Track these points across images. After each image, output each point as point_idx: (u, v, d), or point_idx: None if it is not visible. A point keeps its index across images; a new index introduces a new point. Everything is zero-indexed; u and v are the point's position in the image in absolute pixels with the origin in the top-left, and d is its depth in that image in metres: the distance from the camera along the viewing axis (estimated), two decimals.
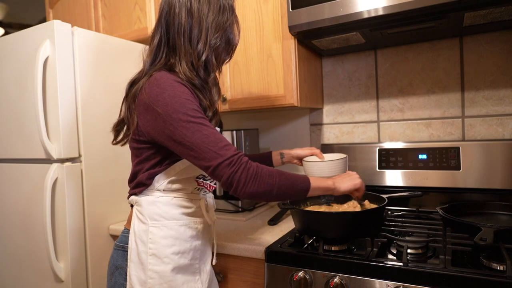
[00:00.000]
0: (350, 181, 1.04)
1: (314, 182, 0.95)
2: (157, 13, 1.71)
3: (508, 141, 1.29)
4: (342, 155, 1.22)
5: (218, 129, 1.08)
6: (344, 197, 1.31)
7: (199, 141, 0.85)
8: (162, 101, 0.88)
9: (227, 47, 1.04)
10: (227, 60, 1.09)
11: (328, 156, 1.27)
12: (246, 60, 1.51)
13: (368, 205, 1.24)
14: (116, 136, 1.06)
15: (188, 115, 0.86)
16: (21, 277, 1.48)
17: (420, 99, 1.52)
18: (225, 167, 0.84)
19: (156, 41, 1.00)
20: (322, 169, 1.18)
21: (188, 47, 0.96)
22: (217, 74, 1.04)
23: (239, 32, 1.07)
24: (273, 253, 1.08)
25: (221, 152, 0.85)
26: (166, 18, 0.99)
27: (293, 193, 0.92)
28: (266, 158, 1.30)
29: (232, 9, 1.02)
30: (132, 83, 1.00)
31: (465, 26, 1.28)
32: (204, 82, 0.97)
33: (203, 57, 0.96)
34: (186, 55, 0.96)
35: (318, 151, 1.26)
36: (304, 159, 1.25)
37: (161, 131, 0.89)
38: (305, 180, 0.94)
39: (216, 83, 1.00)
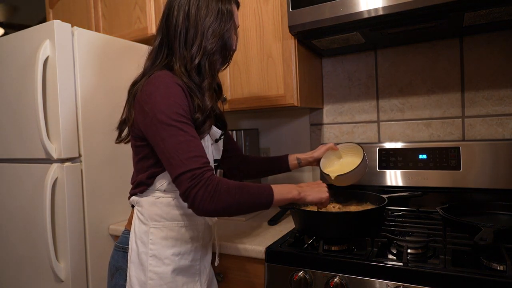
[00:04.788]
0: (317, 194, 1.00)
1: (278, 195, 0.92)
2: (157, 13, 1.72)
3: (508, 141, 1.29)
4: (359, 155, 1.21)
5: (219, 131, 1.08)
6: (345, 197, 1.32)
7: (171, 146, 0.84)
8: (153, 99, 0.88)
9: (224, 53, 1.03)
10: (224, 66, 1.08)
11: (343, 147, 1.27)
12: (246, 60, 1.51)
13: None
14: (119, 135, 1.06)
15: (170, 117, 0.86)
16: (21, 277, 1.48)
17: (420, 99, 1.52)
18: (185, 179, 0.82)
19: (157, 42, 1.01)
20: (340, 181, 1.19)
21: (183, 51, 0.96)
22: (215, 79, 1.03)
23: (237, 38, 1.07)
24: (273, 253, 1.08)
25: (187, 162, 0.83)
26: (166, 20, 0.99)
27: (254, 208, 0.90)
28: (282, 163, 1.29)
29: (231, 15, 1.01)
30: (134, 83, 1.01)
31: (465, 26, 1.28)
32: (198, 86, 0.96)
33: (196, 61, 0.95)
34: (181, 59, 0.96)
35: (331, 144, 1.25)
36: (322, 166, 1.24)
37: (148, 129, 0.90)
38: (269, 194, 0.91)
39: (210, 89, 0.98)
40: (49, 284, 1.38)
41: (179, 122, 0.86)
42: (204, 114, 0.94)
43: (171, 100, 0.88)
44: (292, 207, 1.16)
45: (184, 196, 0.84)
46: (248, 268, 1.17)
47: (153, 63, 1.00)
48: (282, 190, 0.94)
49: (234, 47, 1.06)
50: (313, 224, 1.11)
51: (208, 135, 1.02)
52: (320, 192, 1.02)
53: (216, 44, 0.98)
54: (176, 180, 0.85)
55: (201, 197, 0.82)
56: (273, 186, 0.93)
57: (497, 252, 0.92)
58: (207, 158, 0.88)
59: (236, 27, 1.05)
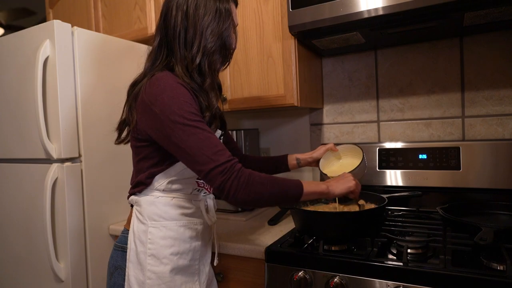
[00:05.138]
0: (344, 184, 1.03)
1: (307, 188, 0.94)
2: (157, 13, 1.72)
3: (508, 141, 1.29)
4: (358, 156, 1.21)
5: (220, 131, 1.08)
6: (345, 197, 1.31)
7: (194, 145, 0.85)
8: (161, 101, 0.88)
9: (223, 52, 1.03)
10: (225, 65, 1.08)
11: (342, 148, 1.27)
12: (246, 60, 1.51)
13: (365, 205, 1.24)
14: (119, 135, 1.06)
15: (185, 118, 0.86)
16: (21, 277, 1.48)
17: (420, 99, 1.52)
18: (218, 173, 0.84)
19: (156, 42, 1.01)
20: None
21: (183, 51, 0.96)
22: (216, 78, 1.03)
23: (236, 37, 1.06)
24: (273, 253, 1.08)
25: (214, 157, 0.85)
26: (164, 20, 0.99)
27: (285, 200, 0.93)
28: (281, 163, 1.29)
29: (229, 14, 1.01)
30: (134, 84, 1.01)
31: (465, 26, 1.28)
32: (199, 87, 0.96)
33: (197, 61, 0.95)
34: (182, 60, 0.96)
35: (331, 145, 1.26)
36: (321, 167, 1.24)
37: (158, 131, 0.90)
38: (299, 186, 0.93)
39: (214, 88, 0.98)
40: (49, 284, 1.38)
41: (194, 121, 0.87)
42: (211, 113, 0.95)
43: (180, 100, 0.88)
44: (293, 206, 1.16)
45: (219, 190, 0.86)
46: (248, 268, 1.17)
47: (153, 64, 1.00)
48: (311, 184, 0.97)
49: (233, 46, 1.06)
50: (313, 224, 1.11)
51: None
52: (346, 182, 1.04)
53: (215, 44, 0.97)
54: (207, 176, 0.85)
55: (236, 188, 0.85)
56: (302, 181, 0.95)
57: (497, 252, 0.92)
58: (229, 152, 0.89)
59: (235, 26, 1.05)
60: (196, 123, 0.87)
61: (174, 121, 0.86)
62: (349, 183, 1.03)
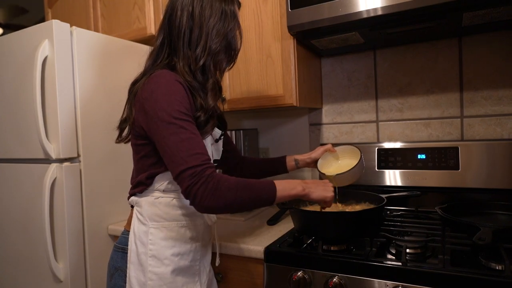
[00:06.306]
0: (321, 192, 0.99)
1: (281, 191, 0.91)
2: (156, 13, 1.72)
3: (507, 141, 1.29)
4: (356, 157, 1.21)
5: (219, 131, 1.08)
6: (344, 197, 1.32)
7: (172, 144, 0.85)
8: (155, 98, 0.88)
9: (228, 53, 1.03)
10: (229, 66, 1.08)
11: (341, 149, 1.27)
12: (245, 60, 1.51)
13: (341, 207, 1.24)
14: (120, 134, 1.06)
15: (171, 116, 0.86)
16: (20, 277, 1.48)
17: (419, 99, 1.52)
18: (186, 176, 0.83)
19: (159, 41, 1.01)
20: (337, 181, 1.18)
21: (187, 51, 0.96)
22: (220, 78, 1.04)
23: (241, 38, 1.07)
24: (272, 253, 1.08)
25: (188, 159, 0.83)
26: (169, 19, 0.99)
27: (256, 205, 0.90)
28: (279, 164, 1.28)
29: (234, 16, 1.02)
30: (134, 83, 1.01)
31: (464, 26, 1.29)
32: (202, 86, 0.96)
33: (201, 62, 0.95)
34: (185, 58, 0.96)
35: (329, 146, 1.25)
36: (319, 167, 1.24)
37: (148, 128, 0.90)
38: (271, 190, 0.90)
39: (214, 89, 0.98)
40: (48, 285, 1.38)
41: (180, 120, 0.86)
42: (207, 113, 0.94)
43: (172, 98, 0.88)
44: (292, 207, 1.17)
45: (186, 194, 0.84)
46: (247, 268, 1.17)
47: (154, 62, 1.01)
48: (286, 186, 0.93)
49: (238, 47, 1.06)
50: (312, 224, 1.11)
51: (210, 135, 1.02)
52: (325, 190, 1.00)
53: (220, 44, 0.98)
54: (177, 178, 0.85)
55: (202, 194, 0.83)
56: (277, 182, 0.93)
57: (496, 251, 0.93)
58: (208, 155, 0.88)
59: (240, 27, 1.05)
60: (181, 122, 0.86)
61: (161, 118, 0.86)
62: (327, 193, 0.99)
